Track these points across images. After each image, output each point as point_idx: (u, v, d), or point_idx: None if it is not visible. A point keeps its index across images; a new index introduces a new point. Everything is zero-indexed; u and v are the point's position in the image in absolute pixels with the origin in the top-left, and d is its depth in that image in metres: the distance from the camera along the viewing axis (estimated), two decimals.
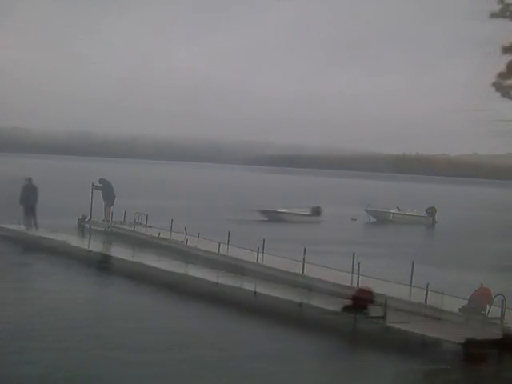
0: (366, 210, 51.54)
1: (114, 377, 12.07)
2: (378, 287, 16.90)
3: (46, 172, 76.33)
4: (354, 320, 15.54)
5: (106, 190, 33.55)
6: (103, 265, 22.50)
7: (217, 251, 23.95)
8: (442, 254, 32.88)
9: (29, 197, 28.75)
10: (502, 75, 11.56)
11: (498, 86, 11.57)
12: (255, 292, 17.92)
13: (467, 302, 16.23)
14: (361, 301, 15.92)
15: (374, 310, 15.68)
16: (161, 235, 28.25)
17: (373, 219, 51.10)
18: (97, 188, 32.96)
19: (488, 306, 15.91)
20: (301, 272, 20.18)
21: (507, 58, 11.47)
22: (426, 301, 16.58)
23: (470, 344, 13.61)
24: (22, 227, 28.73)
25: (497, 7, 11.41)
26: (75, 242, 25.88)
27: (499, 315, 15.46)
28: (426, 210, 51.87)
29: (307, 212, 47.40)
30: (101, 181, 33.75)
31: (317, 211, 47.42)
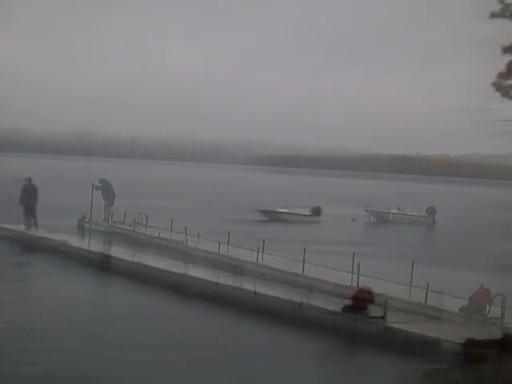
0: (366, 210, 51.56)
1: (114, 377, 12.06)
2: (377, 287, 16.90)
3: (45, 172, 76.31)
4: (354, 320, 15.54)
5: (106, 190, 33.56)
6: (103, 265, 22.49)
7: (217, 251, 23.96)
8: (441, 253, 32.88)
9: (29, 197, 28.75)
10: (501, 75, 11.55)
11: (497, 86, 11.56)
12: (255, 292, 17.92)
13: (467, 301, 16.23)
14: (361, 301, 15.91)
15: (373, 310, 15.68)
16: (161, 235, 28.26)
17: (373, 219, 51.10)
18: (97, 188, 32.96)
19: (488, 306, 15.91)
20: (301, 272, 20.18)
21: (507, 57, 11.47)
22: (426, 301, 16.58)
23: (470, 344, 13.61)
24: (22, 227, 28.73)
25: (497, 7, 11.40)
26: (75, 241, 25.87)
27: (499, 315, 15.46)
28: (426, 210, 51.89)
29: (307, 212, 47.41)
30: (101, 181, 33.76)
31: (317, 211, 47.43)
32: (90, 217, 31.98)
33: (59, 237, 26.71)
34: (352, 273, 18.83)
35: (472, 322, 15.41)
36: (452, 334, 14.26)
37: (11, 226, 28.84)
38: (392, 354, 14.16)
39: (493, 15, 11.35)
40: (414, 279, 18.23)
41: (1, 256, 24.16)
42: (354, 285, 18.00)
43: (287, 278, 19.96)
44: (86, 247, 24.76)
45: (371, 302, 15.90)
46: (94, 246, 24.88)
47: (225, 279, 19.31)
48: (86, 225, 31.79)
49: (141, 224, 30.84)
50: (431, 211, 51.65)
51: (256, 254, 22.43)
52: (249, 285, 18.54)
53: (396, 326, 15.04)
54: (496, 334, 14.16)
